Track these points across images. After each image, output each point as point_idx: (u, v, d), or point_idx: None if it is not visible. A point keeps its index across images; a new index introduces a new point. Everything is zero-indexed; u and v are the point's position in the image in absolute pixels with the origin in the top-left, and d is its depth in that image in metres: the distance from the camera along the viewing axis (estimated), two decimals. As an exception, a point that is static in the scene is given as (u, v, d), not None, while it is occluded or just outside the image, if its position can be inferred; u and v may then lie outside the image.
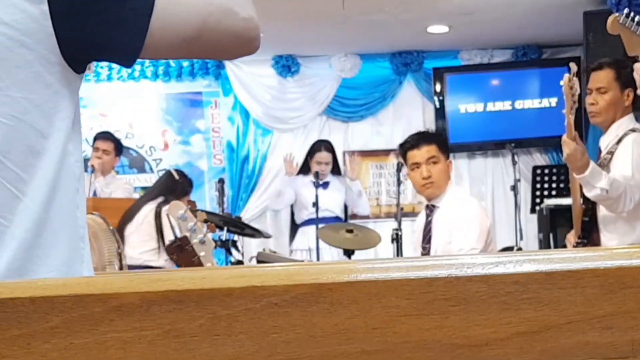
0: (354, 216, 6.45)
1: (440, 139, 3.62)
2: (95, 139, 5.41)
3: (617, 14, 2.73)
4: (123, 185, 5.46)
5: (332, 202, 5.85)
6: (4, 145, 0.96)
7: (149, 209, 4.61)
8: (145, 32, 1.03)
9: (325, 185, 5.86)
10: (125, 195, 5.19)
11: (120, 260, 2.54)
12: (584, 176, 2.97)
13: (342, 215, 5.94)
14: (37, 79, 0.98)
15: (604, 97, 3.17)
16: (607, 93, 3.17)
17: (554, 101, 6.82)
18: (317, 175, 5.65)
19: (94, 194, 5.03)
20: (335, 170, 5.94)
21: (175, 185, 4.80)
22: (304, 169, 6.00)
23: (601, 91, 3.17)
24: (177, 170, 5.07)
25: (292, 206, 6.10)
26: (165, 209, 4.54)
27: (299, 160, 6.29)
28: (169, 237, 4.40)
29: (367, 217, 6.61)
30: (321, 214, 5.63)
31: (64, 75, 1.01)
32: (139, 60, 1.08)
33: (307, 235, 5.78)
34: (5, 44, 0.95)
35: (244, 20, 1.12)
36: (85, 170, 5.42)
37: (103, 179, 5.20)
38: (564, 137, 3.03)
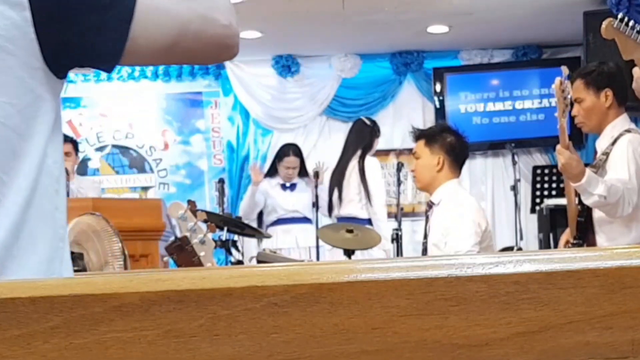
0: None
1: (429, 135, 3.64)
2: None
3: (611, 19, 2.74)
4: (92, 185, 5.52)
5: (299, 203, 5.88)
6: None
7: (352, 165, 5.22)
8: (126, 39, 1.04)
9: (293, 187, 5.92)
10: (97, 194, 5.24)
11: (125, 260, 2.54)
12: (581, 184, 2.98)
13: (310, 216, 5.94)
14: (20, 84, 0.99)
15: (582, 106, 3.23)
16: (583, 102, 3.22)
17: (554, 101, 6.81)
18: (316, 175, 5.66)
19: (67, 195, 5.05)
20: (302, 172, 5.96)
21: (367, 131, 5.38)
22: (271, 171, 6.05)
23: (578, 101, 3.23)
24: (366, 117, 5.61)
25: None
26: (367, 159, 5.24)
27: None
28: (373, 189, 5.20)
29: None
30: (290, 215, 5.72)
31: (47, 80, 1.02)
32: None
33: (277, 236, 5.81)
34: None
35: (223, 28, 1.13)
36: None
37: (76, 180, 5.23)
38: (558, 147, 3.04)
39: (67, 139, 5.44)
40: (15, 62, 0.98)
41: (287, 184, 5.83)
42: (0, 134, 0.98)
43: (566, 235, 3.30)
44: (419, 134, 3.66)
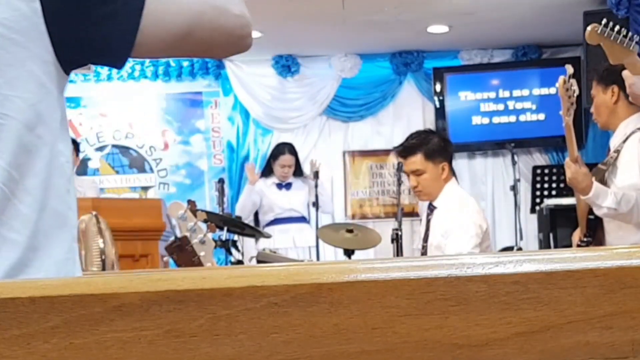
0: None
1: (427, 147, 3.50)
2: None
3: (595, 25, 2.75)
4: (91, 185, 5.53)
5: (296, 202, 5.89)
6: None
7: None
8: (137, 29, 1.02)
9: (288, 186, 5.93)
10: (96, 194, 5.25)
11: (104, 262, 2.54)
12: (589, 197, 2.99)
13: (306, 215, 5.94)
14: (31, 78, 0.96)
15: (594, 102, 3.26)
16: (595, 97, 3.26)
17: (554, 101, 6.82)
18: (316, 175, 5.65)
19: None
20: (298, 172, 5.96)
21: None
22: (266, 171, 6.06)
23: (593, 98, 3.26)
24: None
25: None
26: None
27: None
28: None
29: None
30: (287, 214, 5.72)
31: (56, 75, 1.00)
32: (134, 60, 1.08)
33: (274, 235, 5.82)
34: None
35: (236, 17, 1.11)
36: None
37: (76, 180, 5.24)
38: (567, 160, 3.07)
39: None
40: (26, 55, 0.96)
41: (283, 183, 5.85)
42: (10, 128, 0.94)
43: (577, 234, 3.31)
44: (411, 150, 3.52)
